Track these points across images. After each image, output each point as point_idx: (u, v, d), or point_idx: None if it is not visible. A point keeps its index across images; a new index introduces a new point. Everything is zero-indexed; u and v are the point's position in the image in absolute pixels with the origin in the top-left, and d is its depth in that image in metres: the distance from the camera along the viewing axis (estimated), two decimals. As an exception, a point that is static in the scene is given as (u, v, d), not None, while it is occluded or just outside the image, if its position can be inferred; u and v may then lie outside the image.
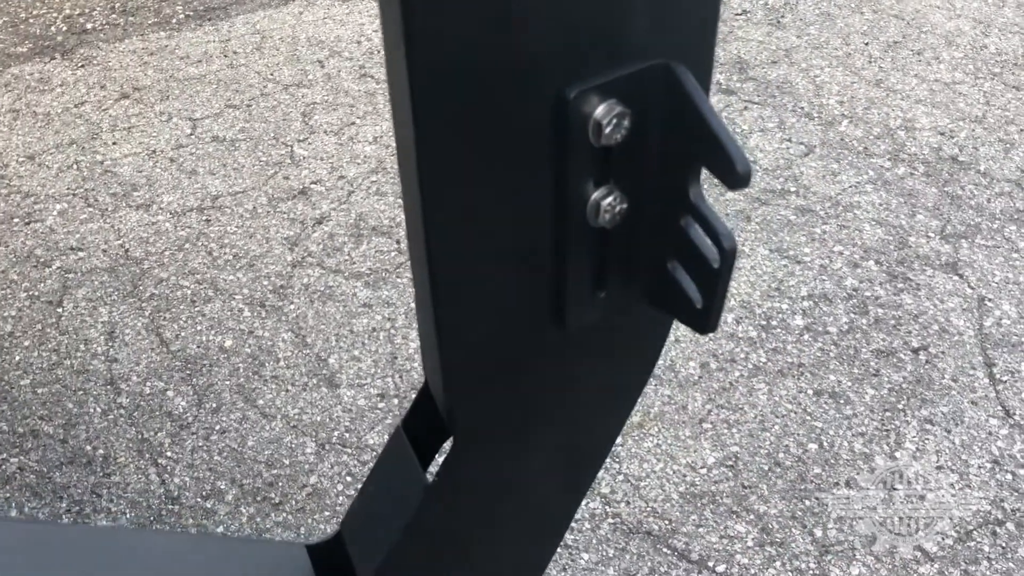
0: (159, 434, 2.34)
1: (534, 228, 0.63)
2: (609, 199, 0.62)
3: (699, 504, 2.19)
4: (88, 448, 2.33)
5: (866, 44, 3.38)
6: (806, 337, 2.50)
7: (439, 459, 0.79)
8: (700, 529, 2.15)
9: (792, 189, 2.88)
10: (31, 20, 3.73)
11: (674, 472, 2.25)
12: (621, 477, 2.25)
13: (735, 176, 0.55)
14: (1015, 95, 3.17)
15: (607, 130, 0.59)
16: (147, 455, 2.30)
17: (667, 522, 2.16)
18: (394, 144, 2.60)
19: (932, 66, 3.28)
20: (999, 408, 2.31)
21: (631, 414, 0.84)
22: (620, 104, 0.59)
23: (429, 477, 0.74)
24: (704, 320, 0.63)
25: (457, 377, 0.67)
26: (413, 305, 2.64)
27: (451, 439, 0.72)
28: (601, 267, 0.66)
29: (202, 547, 0.76)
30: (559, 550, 2.12)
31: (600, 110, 0.59)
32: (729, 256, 0.59)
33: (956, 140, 3.01)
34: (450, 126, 0.56)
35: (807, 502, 2.18)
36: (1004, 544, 2.07)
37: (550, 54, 0.56)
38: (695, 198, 0.60)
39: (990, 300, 2.55)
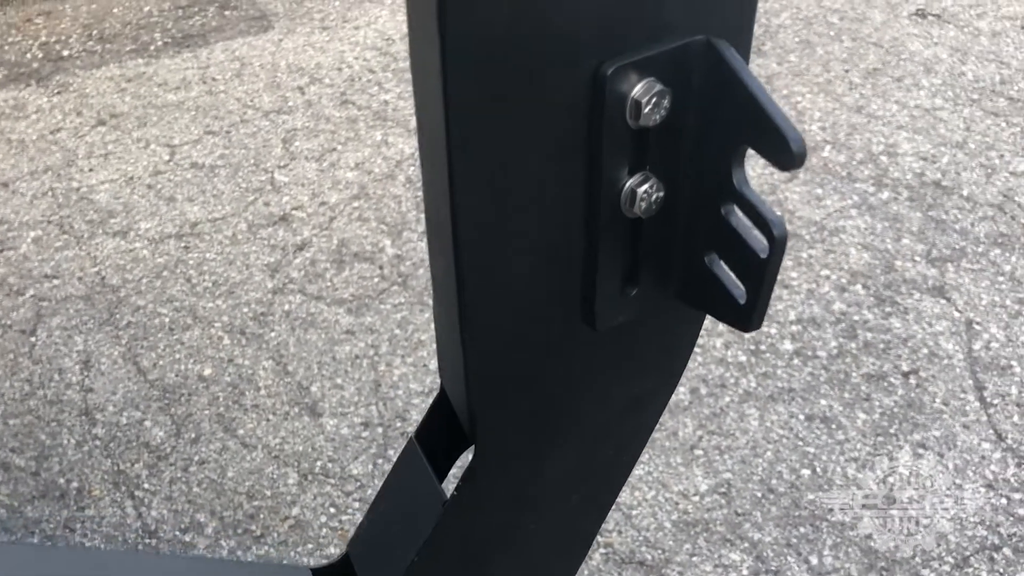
0: (136, 465, 2.27)
1: (565, 217, 0.59)
2: (645, 186, 0.59)
3: (692, 533, 2.14)
4: (61, 481, 2.25)
5: (846, 71, 3.40)
6: (796, 362, 2.47)
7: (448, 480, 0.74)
8: (694, 558, 2.10)
9: (777, 214, 2.87)
10: (6, 47, 3.68)
11: (666, 500, 2.20)
12: (612, 505, 2.20)
13: (789, 155, 0.52)
14: (994, 121, 3.19)
15: (646, 110, 0.55)
16: (123, 487, 2.23)
17: (660, 552, 2.11)
18: (376, 170, 2.55)
19: (912, 93, 3.30)
20: (991, 432, 2.29)
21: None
22: (660, 82, 0.55)
23: (446, 492, 0.69)
24: (748, 317, 0.59)
25: (481, 379, 0.62)
26: (397, 332, 2.60)
27: (469, 450, 0.68)
28: (634, 261, 0.62)
29: (204, 570, 0.70)
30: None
31: (639, 88, 0.55)
32: (780, 245, 0.55)
33: (938, 165, 3.02)
34: (481, 104, 0.52)
35: (802, 529, 2.14)
36: (1002, 570, 2.04)
37: (586, 26, 0.53)
38: (739, 183, 0.57)
39: (978, 323, 2.54)
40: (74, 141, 3.17)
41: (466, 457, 0.70)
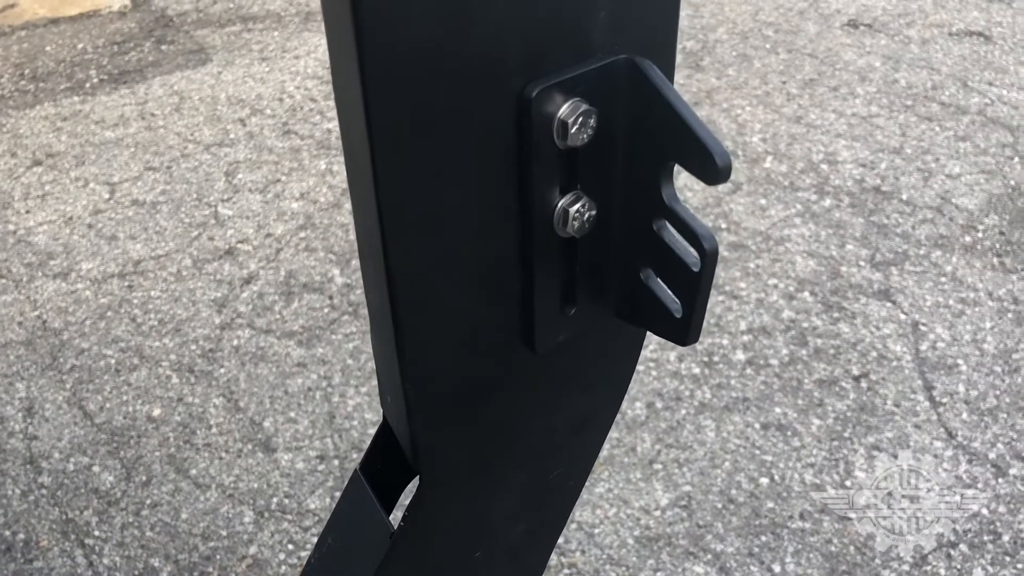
0: (85, 513, 2.21)
1: (499, 239, 0.58)
2: (577, 205, 0.58)
3: (655, 547, 2.14)
4: (7, 533, 2.18)
5: (784, 83, 3.46)
6: (749, 371, 2.49)
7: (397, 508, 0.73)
8: (658, 573, 2.10)
9: (723, 226, 2.90)
10: (-65, 90, 3.60)
11: (628, 516, 2.20)
12: (574, 525, 2.19)
13: (715, 170, 0.52)
14: (928, 126, 3.26)
15: (573, 130, 0.55)
16: (73, 536, 2.16)
17: (624, 568, 2.11)
18: (321, 200, 2.52)
19: (848, 101, 3.37)
20: (942, 430, 2.33)
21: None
22: (585, 102, 0.55)
23: (394, 523, 0.68)
24: (684, 331, 0.59)
25: (421, 408, 0.61)
26: (349, 362, 2.57)
27: (415, 479, 0.67)
28: (570, 280, 0.62)
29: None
30: (516, 605, 2.04)
31: (565, 109, 0.55)
32: (711, 258, 0.55)
33: (877, 171, 3.08)
34: (406, 132, 0.52)
35: (763, 538, 2.15)
36: (959, 566, 2.07)
37: (509, 50, 0.52)
38: (669, 199, 0.57)
39: (923, 324, 2.58)
40: (9, 183, 3.11)
41: (413, 486, 0.69)
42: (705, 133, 0.52)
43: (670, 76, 0.59)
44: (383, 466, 0.71)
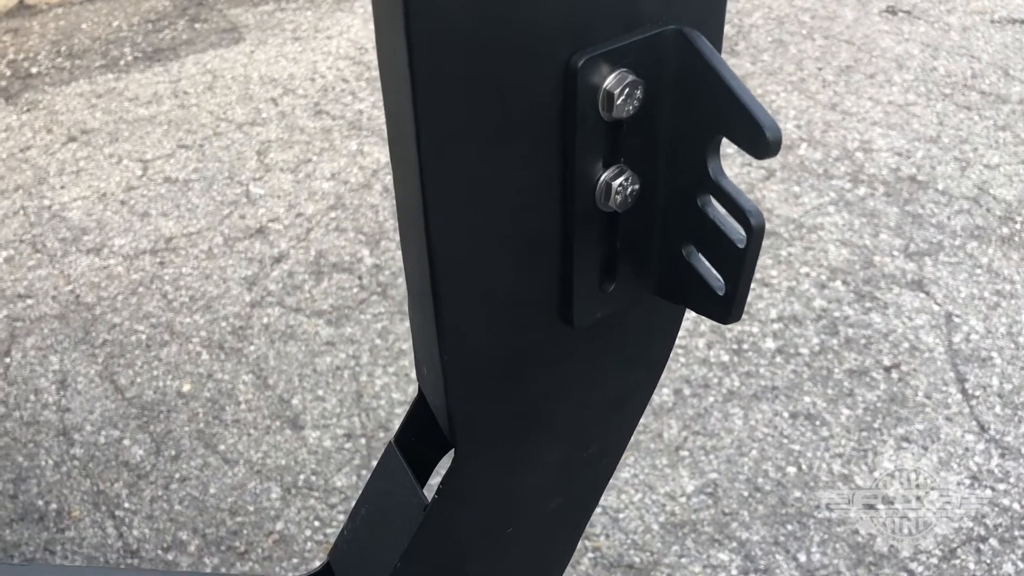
0: (116, 485, 2.24)
1: (540, 212, 0.58)
2: (620, 179, 0.58)
3: (680, 534, 2.14)
4: (40, 503, 2.21)
5: (819, 69, 3.41)
6: (778, 360, 2.47)
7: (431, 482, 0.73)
8: (683, 559, 2.09)
9: (755, 213, 2.88)
10: (-27, 66, 3.64)
11: (653, 502, 2.19)
12: (599, 510, 2.19)
13: (764, 143, 0.51)
14: (967, 115, 3.21)
15: (619, 101, 0.54)
16: (103, 507, 2.19)
17: (649, 554, 2.10)
18: (352, 180, 2.53)
19: (885, 89, 3.32)
20: (974, 423, 2.30)
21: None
22: (632, 73, 0.54)
23: (427, 496, 0.68)
24: (727, 309, 0.58)
25: (458, 381, 0.61)
26: (378, 342, 2.58)
27: (449, 453, 0.67)
28: (611, 255, 0.61)
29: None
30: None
31: (611, 80, 0.54)
32: (758, 235, 0.54)
33: (913, 160, 3.04)
34: (450, 101, 0.51)
35: (789, 527, 2.14)
36: (988, 561, 2.04)
37: (556, 18, 0.52)
38: (715, 174, 0.56)
39: (957, 316, 2.55)
40: (45, 158, 3.14)
41: (447, 461, 0.69)
42: (755, 105, 0.51)
43: (718, 47, 0.58)
44: (417, 439, 0.70)
